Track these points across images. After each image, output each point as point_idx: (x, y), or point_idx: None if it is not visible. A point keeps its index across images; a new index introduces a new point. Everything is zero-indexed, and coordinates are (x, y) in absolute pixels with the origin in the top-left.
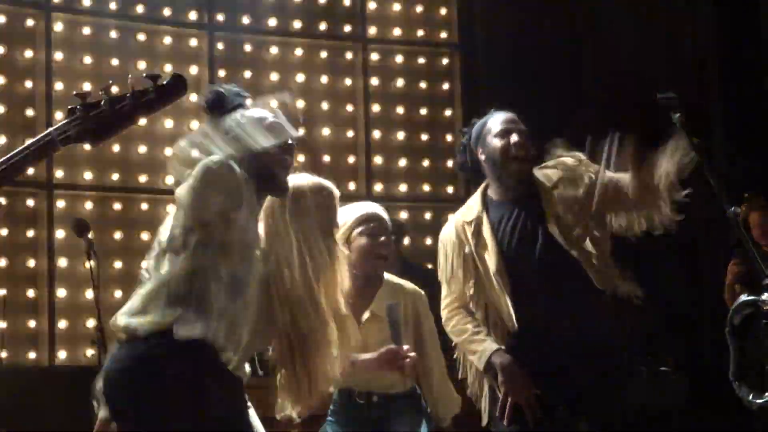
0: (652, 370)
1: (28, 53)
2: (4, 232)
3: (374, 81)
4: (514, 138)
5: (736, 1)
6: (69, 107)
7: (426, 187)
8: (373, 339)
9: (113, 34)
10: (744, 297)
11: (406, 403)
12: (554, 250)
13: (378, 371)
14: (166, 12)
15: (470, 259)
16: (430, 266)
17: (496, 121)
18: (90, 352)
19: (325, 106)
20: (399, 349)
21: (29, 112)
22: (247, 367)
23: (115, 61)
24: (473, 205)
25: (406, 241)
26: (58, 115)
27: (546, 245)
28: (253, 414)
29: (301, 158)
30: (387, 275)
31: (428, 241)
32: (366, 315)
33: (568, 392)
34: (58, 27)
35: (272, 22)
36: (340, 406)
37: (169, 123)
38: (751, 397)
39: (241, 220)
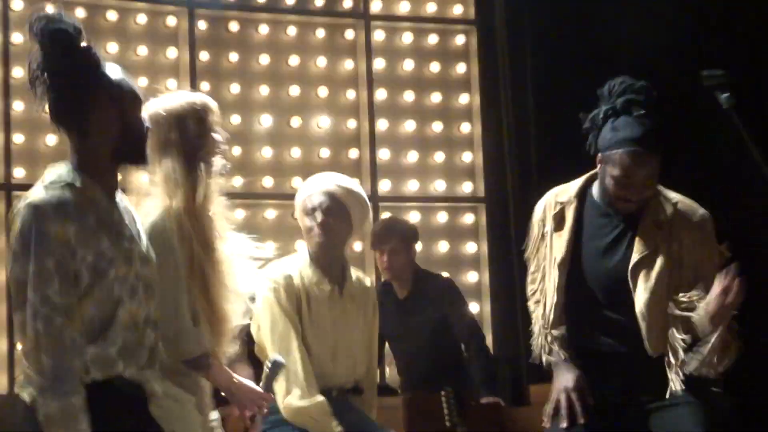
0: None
1: None
2: None
3: (379, 63)
4: (630, 190)
5: None
6: None
7: (439, 185)
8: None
9: (80, 13)
10: None
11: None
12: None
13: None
14: None
15: (547, 240)
16: (445, 275)
17: (618, 158)
18: None
19: (322, 92)
20: (267, 396)
21: None
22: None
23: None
24: (572, 189)
25: (418, 247)
26: None
27: (625, 265)
28: None
29: None
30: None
31: (442, 247)
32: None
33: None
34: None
35: None
36: None
37: None
38: None
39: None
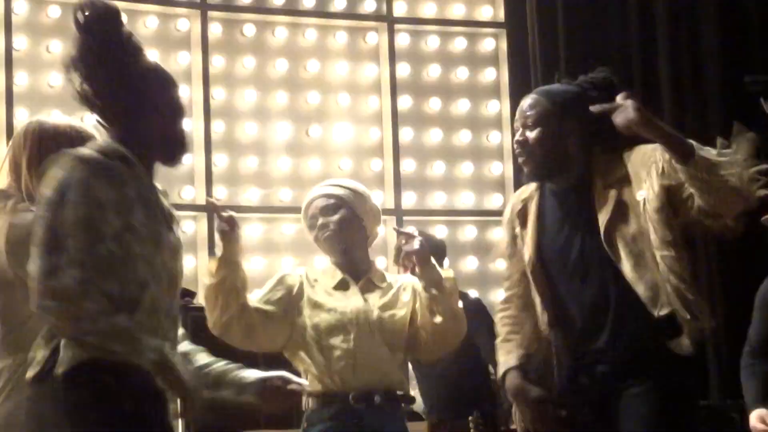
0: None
1: None
2: None
3: (403, 69)
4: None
5: None
6: None
7: (467, 198)
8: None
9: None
10: None
11: (400, 406)
12: (599, 249)
13: None
14: None
15: (519, 240)
16: (474, 294)
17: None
18: None
19: (343, 99)
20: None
21: None
22: None
23: None
24: (530, 185)
25: (445, 263)
26: None
27: (590, 241)
28: None
29: None
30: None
31: (470, 264)
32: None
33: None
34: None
35: None
36: (330, 416)
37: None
38: None
39: None
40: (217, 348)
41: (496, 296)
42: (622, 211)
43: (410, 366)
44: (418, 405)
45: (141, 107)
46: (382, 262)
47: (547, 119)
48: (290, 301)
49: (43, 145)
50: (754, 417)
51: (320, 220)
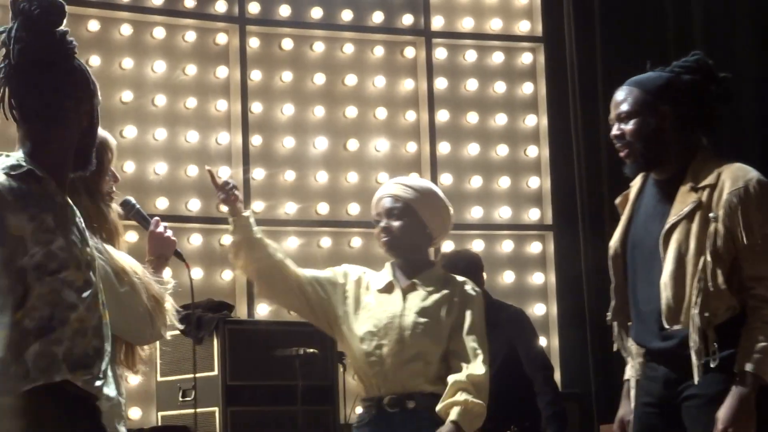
0: None
1: None
2: None
3: (440, 83)
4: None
5: None
6: None
7: (504, 212)
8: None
9: (125, 29)
10: None
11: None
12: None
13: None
14: (189, 3)
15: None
16: (514, 305)
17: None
18: None
19: (381, 113)
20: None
21: None
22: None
23: (128, 62)
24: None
25: (484, 277)
26: None
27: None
28: None
29: None
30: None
31: (508, 278)
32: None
33: None
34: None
35: (316, 13)
36: (366, 422)
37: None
38: None
39: None
40: (258, 358)
41: (534, 309)
42: (692, 218)
43: None
44: None
45: (57, 113)
46: None
47: (642, 109)
48: (336, 285)
49: None
50: None
51: (383, 222)
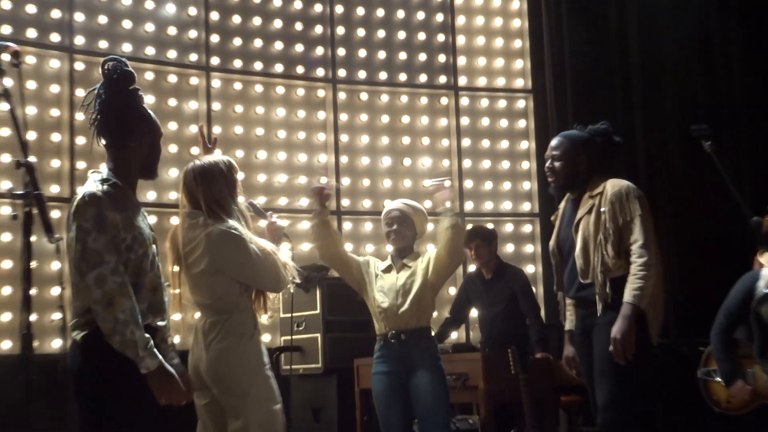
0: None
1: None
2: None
3: (464, 120)
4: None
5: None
6: None
7: (507, 205)
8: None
9: (237, 86)
10: (765, 290)
11: (423, 335)
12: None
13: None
14: (299, 70)
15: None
16: (515, 266)
17: None
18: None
19: (425, 141)
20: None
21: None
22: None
23: (260, 109)
24: (566, 196)
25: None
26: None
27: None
28: None
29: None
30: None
31: (509, 249)
32: (404, 274)
33: None
34: (215, 84)
35: (383, 75)
36: (379, 349)
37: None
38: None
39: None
40: (346, 301)
41: (527, 269)
42: (590, 214)
43: (477, 312)
44: (476, 341)
45: (127, 143)
46: None
47: (567, 155)
48: (366, 268)
49: (206, 178)
50: (735, 388)
51: (391, 226)
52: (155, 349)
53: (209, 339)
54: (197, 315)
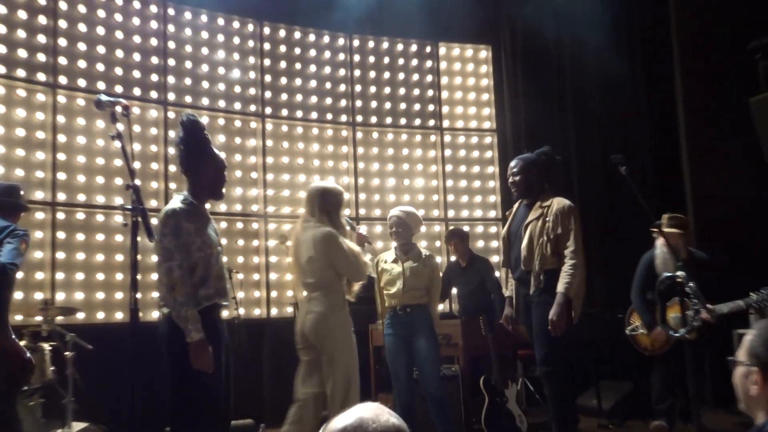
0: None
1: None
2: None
3: (447, 152)
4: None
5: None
6: None
7: (478, 212)
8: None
9: (299, 129)
10: (666, 274)
11: (422, 309)
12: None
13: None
14: (327, 115)
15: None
16: (483, 256)
17: None
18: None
19: (419, 167)
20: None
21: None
22: None
23: (300, 144)
24: (517, 201)
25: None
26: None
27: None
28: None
29: None
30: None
31: (480, 244)
32: (407, 264)
33: None
34: (269, 126)
35: (387, 120)
36: (390, 318)
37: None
38: (671, 332)
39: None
40: (365, 287)
41: (493, 259)
42: (538, 220)
43: (456, 290)
44: (456, 311)
45: (200, 173)
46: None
47: (523, 171)
48: (375, 269)
49: (324, 195)
50: (655, 333)
51: (392, 228)
52: (200, 325)
53: (311, 307)
54: (304, 293)
